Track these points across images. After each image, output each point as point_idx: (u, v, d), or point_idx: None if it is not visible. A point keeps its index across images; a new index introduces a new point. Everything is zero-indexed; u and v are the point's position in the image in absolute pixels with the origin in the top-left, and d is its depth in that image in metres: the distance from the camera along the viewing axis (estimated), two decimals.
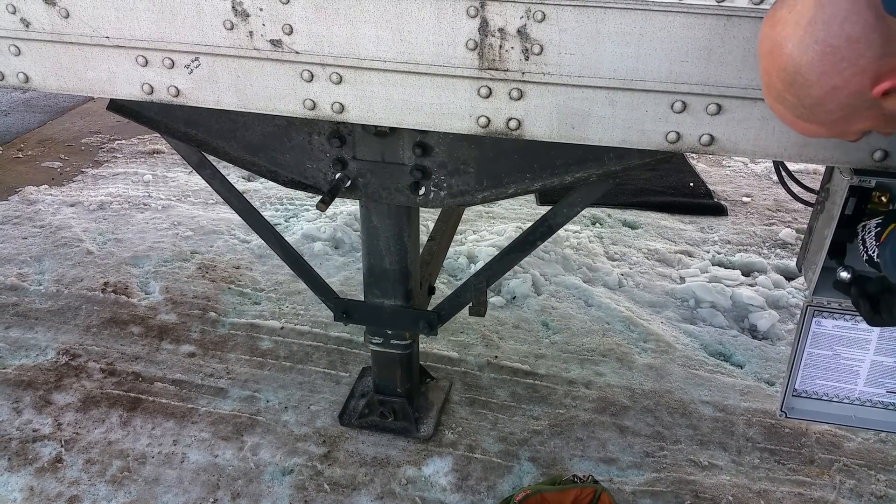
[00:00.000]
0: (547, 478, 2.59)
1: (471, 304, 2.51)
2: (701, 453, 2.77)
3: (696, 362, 3.27)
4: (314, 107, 1.80)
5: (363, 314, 2.61)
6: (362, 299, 2.62)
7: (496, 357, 3.23)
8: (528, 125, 1.73)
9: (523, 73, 1.66)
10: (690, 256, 4.16)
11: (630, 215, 4.55)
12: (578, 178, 2.06)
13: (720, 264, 4.10)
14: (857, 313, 1.90)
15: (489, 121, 1.74)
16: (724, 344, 3.42)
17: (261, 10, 1.66)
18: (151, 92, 1.84)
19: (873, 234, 1.68)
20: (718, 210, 4.70)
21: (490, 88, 1.70)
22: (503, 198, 2.18)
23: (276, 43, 1.70)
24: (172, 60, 1.78)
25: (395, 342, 2.64)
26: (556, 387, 3.06)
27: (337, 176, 2.18)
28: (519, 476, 2.65)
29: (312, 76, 1.75)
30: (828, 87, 1.12)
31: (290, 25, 1.67)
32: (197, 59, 1.77)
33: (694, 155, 5.50)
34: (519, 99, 1.70)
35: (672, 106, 1.64)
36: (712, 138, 1.67)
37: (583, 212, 4.47)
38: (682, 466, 2.70)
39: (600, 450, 2.77)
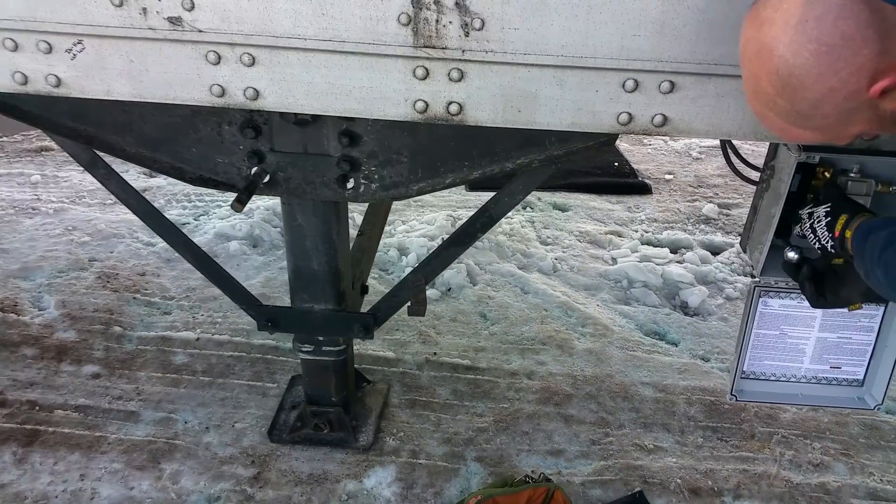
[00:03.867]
0: (497, 478, 2.46)
1: (409, 304, 2.34)
2: (645, 436, 2.72)
3: (633, 343, 3.23)
4: (223, 93, 1.57)
5: (291, 321, 2.40)
6: (289, 304, 2.40)
7: (435, 354, 3.08)
8: (471, 109, 1.57)
9: (463, 52, 1.49)
10: (620, 237, 4.12)
11: (559, 198, 4.49)
12: (520, 164, 1.92)
13: (649, 243, 4.09)
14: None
15: (427, 105, 1.57)
16: (658, 323, 3.40)
17: None
18: (25, 82, 1.56)
19: (824, 223, 1.63)
20: (643, 189, 4.70)
21: (427, 69, 1.52)
22: (440, 188, 2.01)
23: (174, 20, 1.46)
24: (49, 44, 1.51)
25: (328, 349, 2.44)
26: (498, 380, 2.94)
27: (253, 171, 1.96)
28: (466, 478, 2.51)
29: (220, 58, 1.52)
30: (824, 90, 1.06)
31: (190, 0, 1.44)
32: (80, 41, 1.50)
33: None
34: (459, 80, 1.53)
35: (624, 84, 1.52)
36: (665, 118, 1.55)
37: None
38: (629, 452, 2.64)
39: (547, 442, 2.67)
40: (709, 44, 1.45)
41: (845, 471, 2.57)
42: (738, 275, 3.82)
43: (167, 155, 1.92)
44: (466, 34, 1.47)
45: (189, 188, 4.32)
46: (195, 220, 4.07)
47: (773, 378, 2.10)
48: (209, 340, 3.10)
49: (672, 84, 1.51)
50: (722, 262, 3.93)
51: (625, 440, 2.69)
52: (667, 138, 5.52)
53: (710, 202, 4.61)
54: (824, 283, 1.70)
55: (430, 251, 3.75)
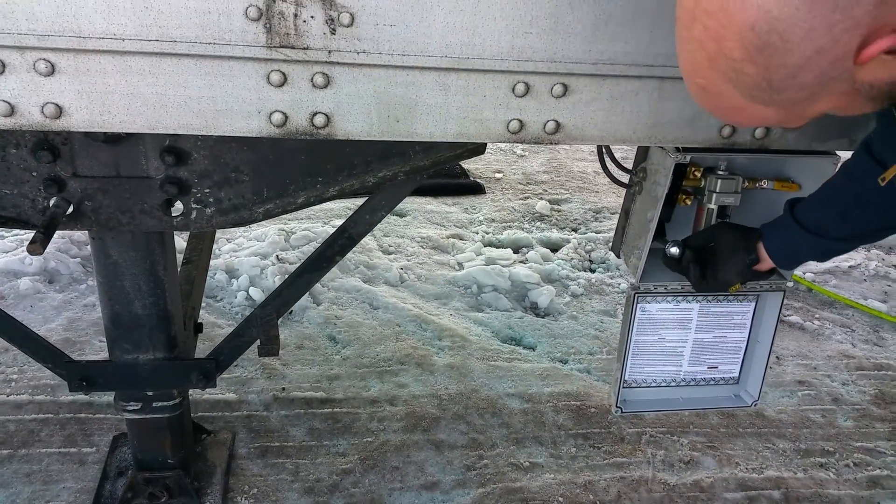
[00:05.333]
0: None
1: (259, 343, 2.02)
2: (519, 453, 2.61)
3: (492, 352, 3.12)
4: (12, 112, 1.20)
5: (112, 378, 1.98)
6: (104, 355, 1.99)
7: (283, 389, 2.75)
8: (340, 121, 1.32)
9: (330, 52, 1.24)
10: (462, 240, 4.02)
11: None
12: (382, 177, 1.72)
13: (491, 244, 4.02)
14: (679, 291, 1.89)
15: (286, 117, 1.29)
16: (513, 328, 3.32)
17: None
18: None
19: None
20: (477, 189, 4.66)
21: (284, 74, 1.25)
22: (293, 209, 1.74)
23: None
24: None
25: (160, 404, 2.05)
26: (358, 411, 2.69)
27: (52, 202, 1.57)
28: None
29: (4, 66, 1.15)
30: (811, 51, 0.83)
31: None
32: None
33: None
34: (325, 87, 1.27)
35: (514, 88, 1.35)
36: (558, 125, 1.41)
37: (344, 202, 4.12)
38: (506, 473, 2.51)
39: (419, 475, 2.47)
40: (605, 41, 1.32)
41: (714, 464, 2.62)
42: (579, 270, 3.87)
43: None
44: (333, 31, 1.22)
45: None
46: None
47: (654, 384, 2.08)
48: (4, 403, 2.54)
49: (565, 87, 1.36)
50: (562, 259, 3.96)
51: (500, 461, 2.56)
52: None
53: (542, 199, 4.66)
54: (705, 266, 1.68)
55: (264, 271, 3.43)
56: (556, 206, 4.63)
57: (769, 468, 2.63)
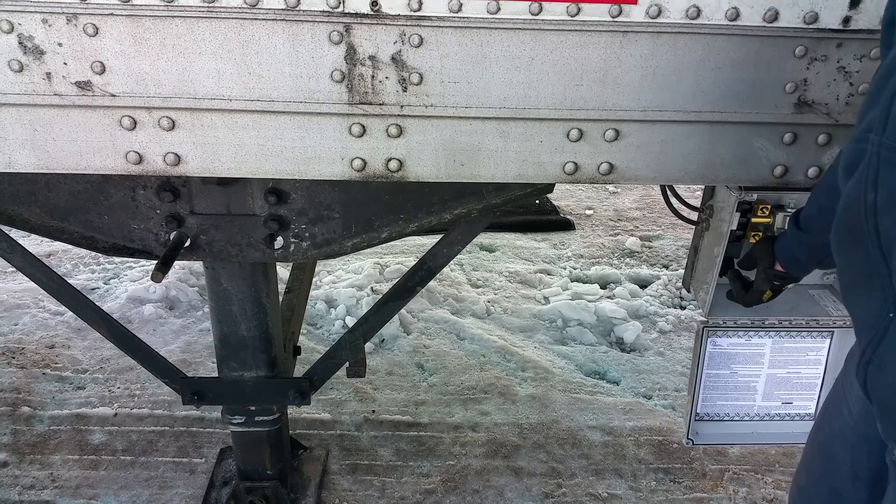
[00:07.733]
0: None
1: (348, 365, 2.21)
2: (598, 484, 2.66)
3: (574, 385, 3.19)
4: (140, 160, 1.44)
5: (220, 393, 2.22)
6: (215, 373, 2.23)
7: (373, 412, 2.94)
8: (411, 165, 1.50)
9: (402, 107, 1.42)
10: (549, 275, 4.11)
11: (485, 238, 4.45)
12: (458, 214, 1.86)
13: (578, 279, 4.09)
14: (750, 326, 1.92)
15: (365, 163, 1.48)
16: (597, 362, 3.37)
17: (60, 45, 1.28)
18: None
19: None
20: (566, 225, 4.74)
21: (363, 126, 1.44)
22: (377, 243, 1.92)
23: (83, 85, 1.32)
24: None
25: (261, 419, 2.27)
26: (442, 435, 2.83)
27: (172, 236, 1.82)
28: None
29: (136, 123, 1.39)
30: None
31: (101, 63, 1.31)
32: None
33: None
34: (398, 136, 1.46)
35: (568, 134, 1.48)
36: (611, 166, 1.53)
37: (434, 238, 4.33)
38: (584, 503, 2.57)
39: (498, 499, 2.56)
40: (652, 91, 1.44)
41: None
42: (669, 307, 3.87)
43: (77, 224, 1.75)
44: (404, 89, 1.40)
45: None
46: (105, 283, 3.80)
47: (727, 418, 2.08)
48: (128, 415, 2.86)
49: (617, 132, 1.48)
50: (651, 296, 3.97)
51: (578, 490, 2.62)
52: None
53: (632, 235, 4.69)
54: (746, 285, 1.76)
55: (359, 301, 3.67)
56: (647, 243, 4.64)
57: None
